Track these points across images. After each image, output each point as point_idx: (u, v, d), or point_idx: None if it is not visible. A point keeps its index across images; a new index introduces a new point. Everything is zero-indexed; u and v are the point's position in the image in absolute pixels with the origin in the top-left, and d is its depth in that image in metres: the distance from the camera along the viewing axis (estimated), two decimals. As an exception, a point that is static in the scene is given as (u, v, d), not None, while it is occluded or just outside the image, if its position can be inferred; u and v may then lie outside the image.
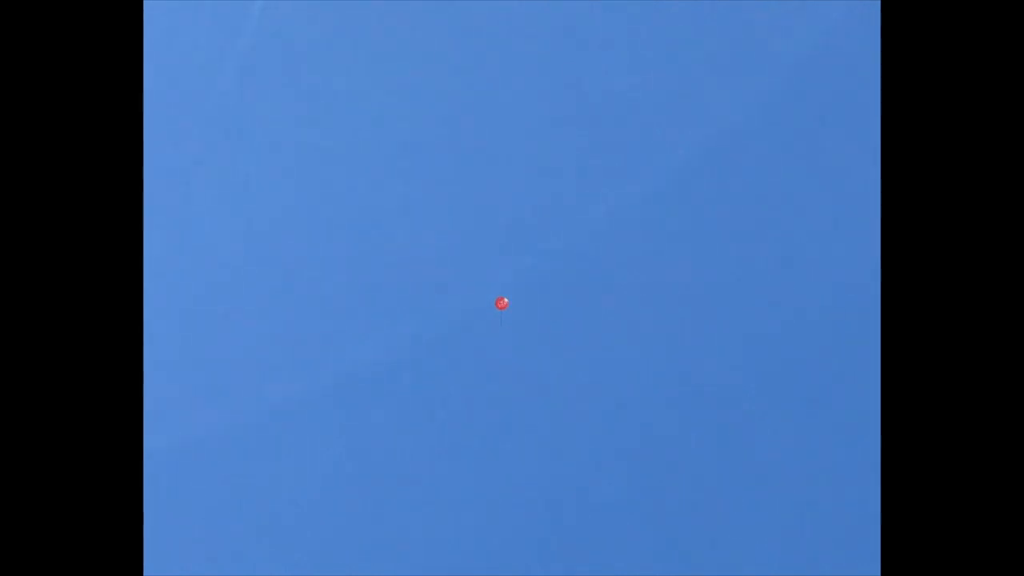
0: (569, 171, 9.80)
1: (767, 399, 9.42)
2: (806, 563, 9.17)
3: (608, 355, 9.54)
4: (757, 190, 9.71)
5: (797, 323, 9.53)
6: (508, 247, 9.65)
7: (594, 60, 9.90)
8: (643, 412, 9.45)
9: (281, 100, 9.95)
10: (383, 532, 9.31)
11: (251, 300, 9.68)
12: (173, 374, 9.56)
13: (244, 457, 9.46)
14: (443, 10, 9.97)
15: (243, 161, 9.87)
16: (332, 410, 9.52)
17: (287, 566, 9.27)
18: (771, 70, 9.78)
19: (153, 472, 9.29)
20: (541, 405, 9.49)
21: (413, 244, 9.73)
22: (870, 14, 9.77)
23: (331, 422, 9.50)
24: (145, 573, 9.07)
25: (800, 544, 9.20)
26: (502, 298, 9.46)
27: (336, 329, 9.60)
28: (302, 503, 9.36)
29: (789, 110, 9.80)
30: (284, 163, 9.88)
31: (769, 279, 9.59)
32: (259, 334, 9.62)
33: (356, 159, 9.87)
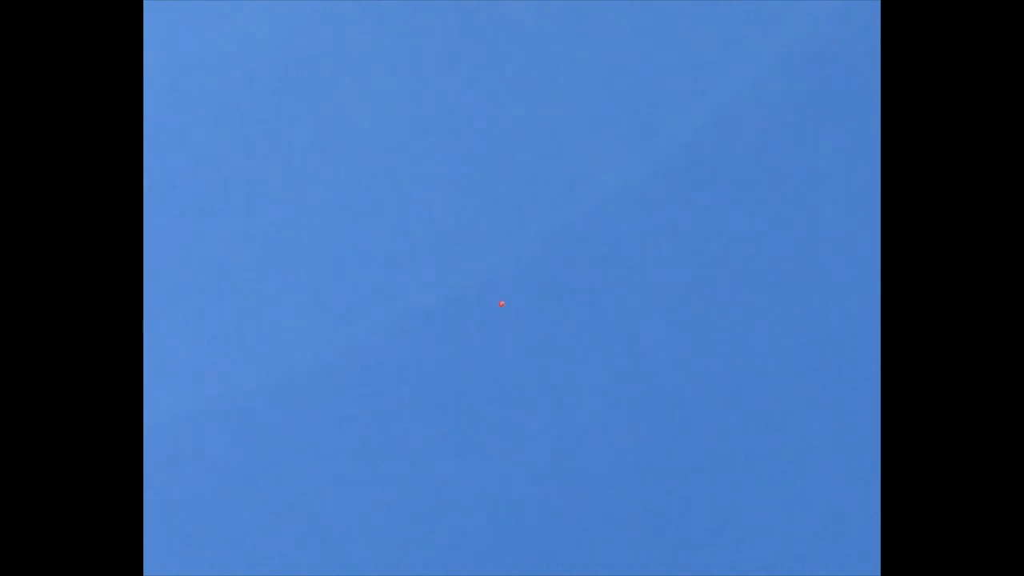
0: (568, 167, 9.80)
1: (766, 397, 9.42)
2: (806, 563, 9.17)
3: (606, 353, 9.54)
4: (756, 188, 9.71)
5: (797, 323, 9.53)
6: (505, 243, 9.65)
7: (591, 55, 9.90)
8: (642, 411, 9.45)
9: (280, 98, 9.95)
10: (388, 531, 9.30)
11: (252, 298, 9.68)
12: (174, 369, 9.56)
13: (246, 456, 9.46)
14: (442, 9, 9.97)
15: (243, 155, 9.88)
16: (336, 408, 9.52)
17: (290, 566, 9.26)
18: (769, 69, 9.78)
19: (154, 471, 9.29)
20: (540, 403, 9.49)
21: (414, 237, 9.74)
22: (870, 14, 9.77)
23: (334, 421, 9.50)
24: (145, 573, 9.07)
25: (800, 544, 9.19)
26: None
27: (340, 324, 9.60)
28: (306, 502, 9.36)
29: (788, 109, 9.80)
30: (283, 158, 9.88)
31: (768, 278, 9.59)
32: (260, 333, 9.62)
33: (354, 154, 9.87)
